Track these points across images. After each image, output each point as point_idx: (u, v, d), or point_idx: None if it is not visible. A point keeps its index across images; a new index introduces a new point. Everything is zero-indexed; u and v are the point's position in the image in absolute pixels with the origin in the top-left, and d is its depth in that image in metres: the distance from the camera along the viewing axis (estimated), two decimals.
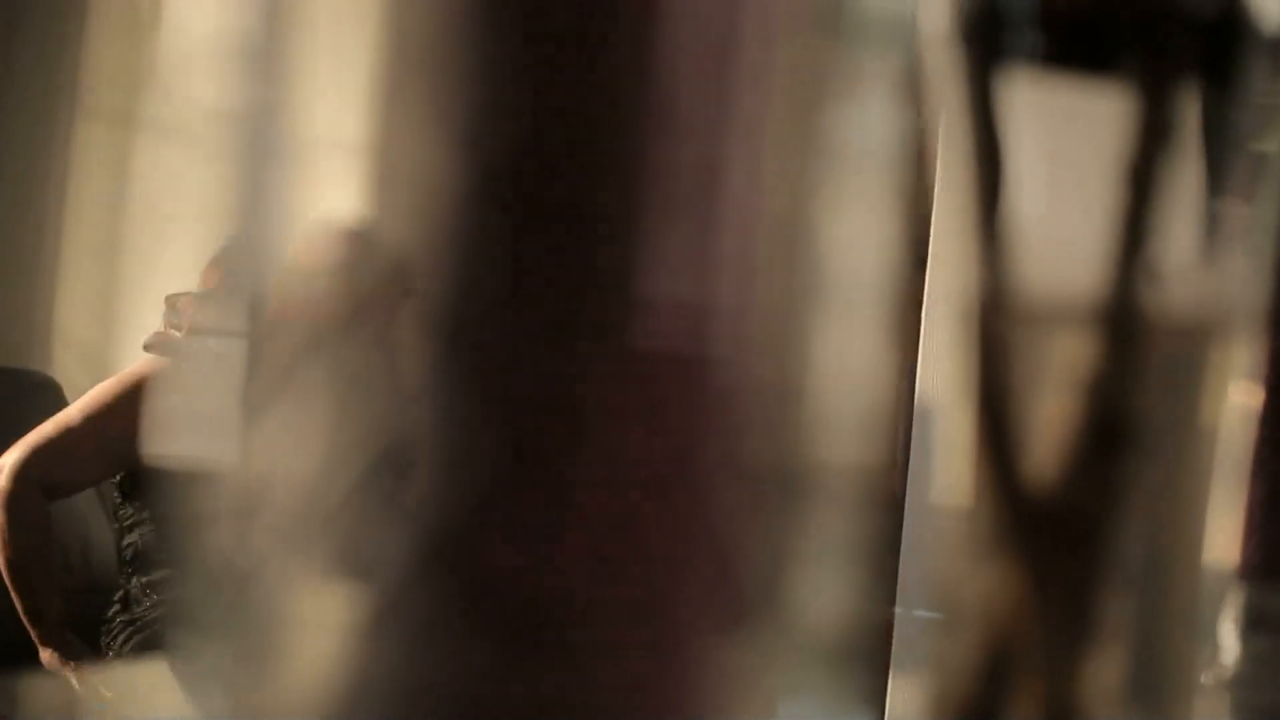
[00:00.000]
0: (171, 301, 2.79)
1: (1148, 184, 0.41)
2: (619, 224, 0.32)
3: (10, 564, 2.49)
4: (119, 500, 2.70)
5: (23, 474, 2.54)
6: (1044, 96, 0.42)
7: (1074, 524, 0.41)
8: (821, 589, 0.35)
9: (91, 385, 3.45)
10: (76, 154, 3.57)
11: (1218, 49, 0.42)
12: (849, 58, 0.37)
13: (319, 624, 0.31)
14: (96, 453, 2.61)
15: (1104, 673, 0.41)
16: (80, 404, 2.62)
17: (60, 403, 3.28)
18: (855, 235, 0.37)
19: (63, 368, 3.49)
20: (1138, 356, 0.42)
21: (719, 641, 0.33)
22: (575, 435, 0.32)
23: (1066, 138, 0.42)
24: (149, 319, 3.45)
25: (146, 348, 2.77)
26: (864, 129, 0.37)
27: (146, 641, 2.63)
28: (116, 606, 2.70)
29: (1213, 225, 0.43)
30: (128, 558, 2.68)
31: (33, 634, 2.50)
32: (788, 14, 0.35)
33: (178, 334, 2.77)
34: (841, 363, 0.36)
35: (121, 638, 2.66)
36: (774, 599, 0.34)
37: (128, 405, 2.61)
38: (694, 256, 0.33)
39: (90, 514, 3.17)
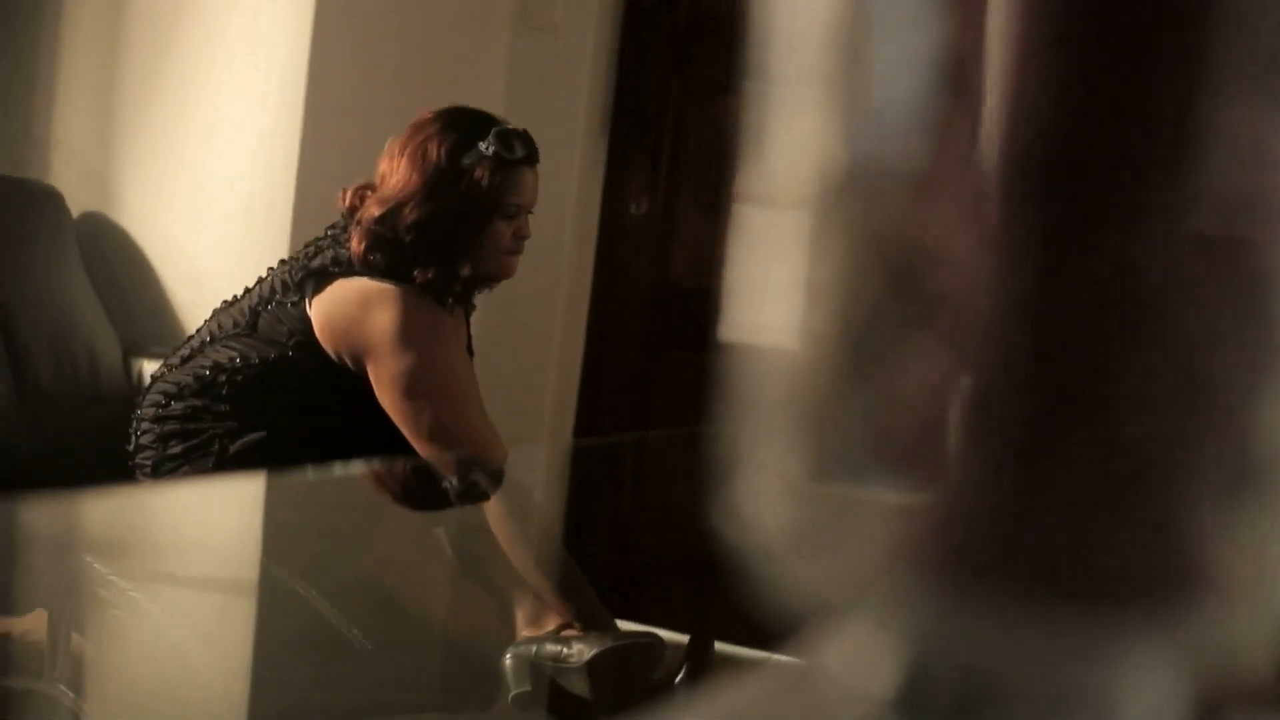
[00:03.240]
0: (347, 201, 2.82)
1: None
2: (1180, 114, 0.34)
3: None
4: (294, 333, 2.75)
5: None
6: None
7: None
8: None
9: (89, 196, 3.48)
10: None
11: None
12: None
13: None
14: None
15: None
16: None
17: (63, 212, 3.31)
18: None
19: (61, 176, 3.50)
20: None
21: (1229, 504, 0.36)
22: (1136, 313, 0.34)
23: None
24: (147, 130, 3.47)
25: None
26: None
27: (194, 433, 2.72)
28: (188, 380, 2.75)
29: None
30: (251, 351, 2.75)
31: None
32: None
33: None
34: None
35: (174, 424, 2.74)
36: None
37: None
38: (1252, 144, 0.36)
39: (98, 327, 3.22)
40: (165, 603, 2.47)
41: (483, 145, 2.77)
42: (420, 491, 2.86)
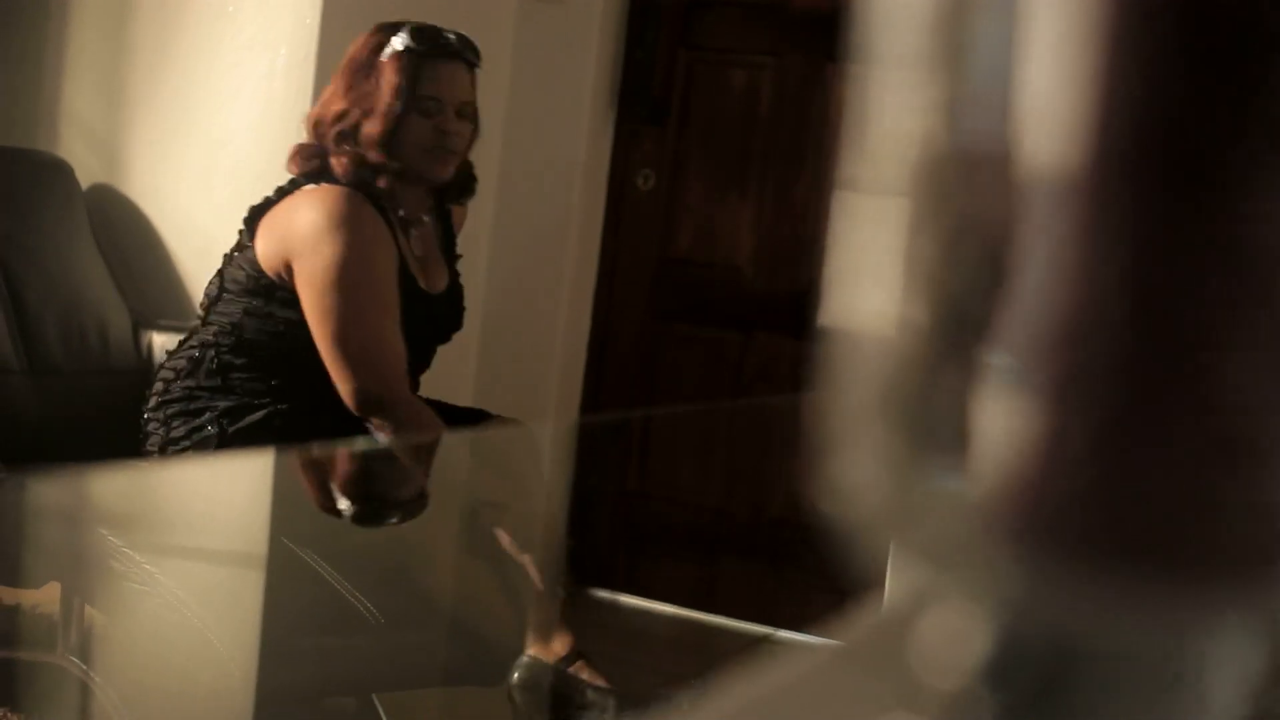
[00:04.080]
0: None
1: None
2: None
3: None
4: (246, 280, 2.75)
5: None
6: None
7: None
8: None
9: (99, 168, 3.48)
10: None
11: None
12: None
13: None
14: None
15: None
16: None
17: (72, 183, 3.31)
18: None
19: (70, 148, 3.50)
20: None
21: None
22: (1237, 290, 0.35)
23: None
24: (157, 100, 3.46)
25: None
26: None
27: (195, 413, 2.72)
28: (181, 363, 2.76)
29: None
30: (227, 322, 2.74)
31: None
32: None
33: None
34: None
35: (176, 406, 2.74)
36: None
37: None
38: None
39: (108, 299, 3.22)
40: (177, 575, 2.47)
41: (396, 39, 2.78)
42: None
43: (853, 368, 0.37)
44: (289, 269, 2.71)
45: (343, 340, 2.67)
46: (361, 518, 2.77)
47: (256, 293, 2.74)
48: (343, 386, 2.67)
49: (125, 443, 2.79)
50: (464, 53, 2.83)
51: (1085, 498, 0.34)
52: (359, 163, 2.74)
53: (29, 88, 3.58)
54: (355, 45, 2.82)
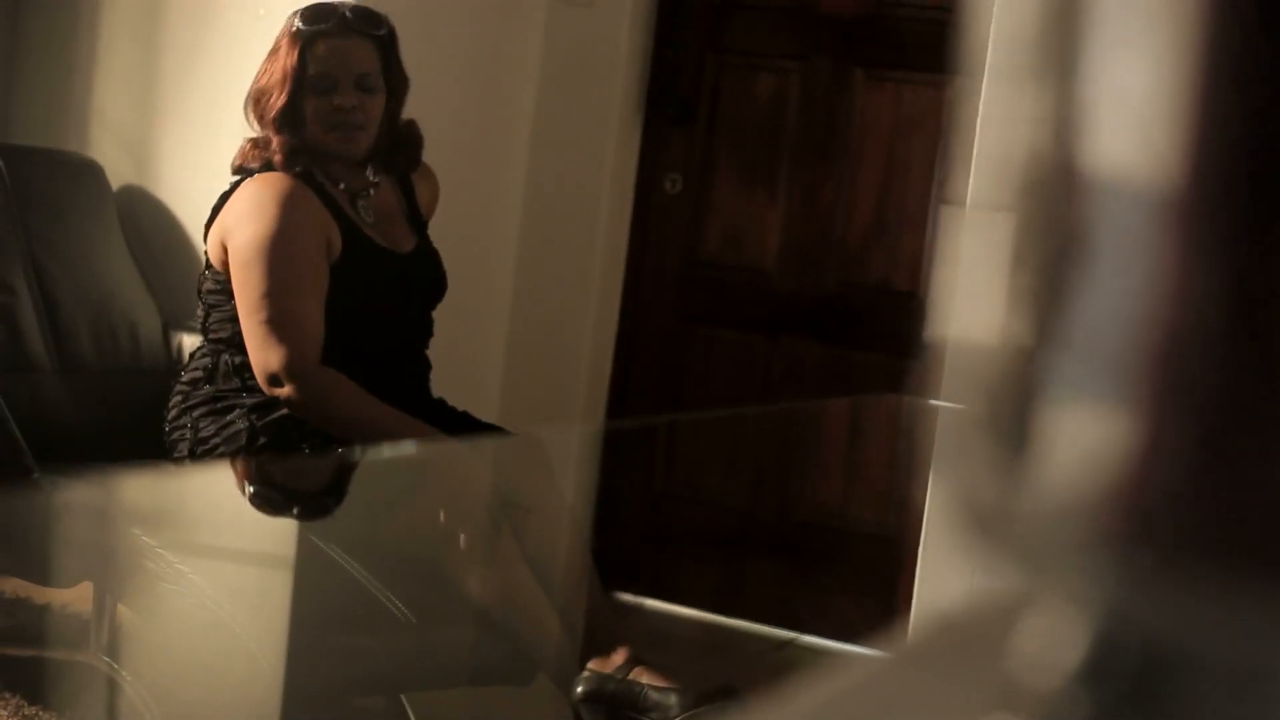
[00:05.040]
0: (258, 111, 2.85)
1: None
2: None
3: None
4: (218, 289, 2.76)
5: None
6: None
7: None
8: None
9: (129, 169, 3.49)
10: None
11: None
12: None
13: None
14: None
15: None
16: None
17: (103, 185, 3.33)
18: None
19: (101, 150, 3.51)
20: None
21: None
22: None
23: None
24: (187, 102, 3.48)
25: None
26: None
27: (222, 411, 2.73)
28: (198, 374, 2.77)
29: None
30: (223, 335, 2.75)
31: None
32: None
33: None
34: None
35: (202, 409, 2.75)
36: None
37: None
38: None
39: (138, 300, 3.23)
40: (207, 574, 2.48)
41: (293, 20, 2.81)
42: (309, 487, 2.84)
43: (962, 379, 0.38)
44: (228, 252, 2.75)
45: (256, 315, 2.69)
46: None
47: (228, 294, 2.76)
48: (252, 359, 2.70)
49: (156, 443, 2.81)
50: (359, 25, 2.84)
51: (1183, 504, 0.35)
52: (282, 143, 2.78)
53: (60, 89, 3.60)
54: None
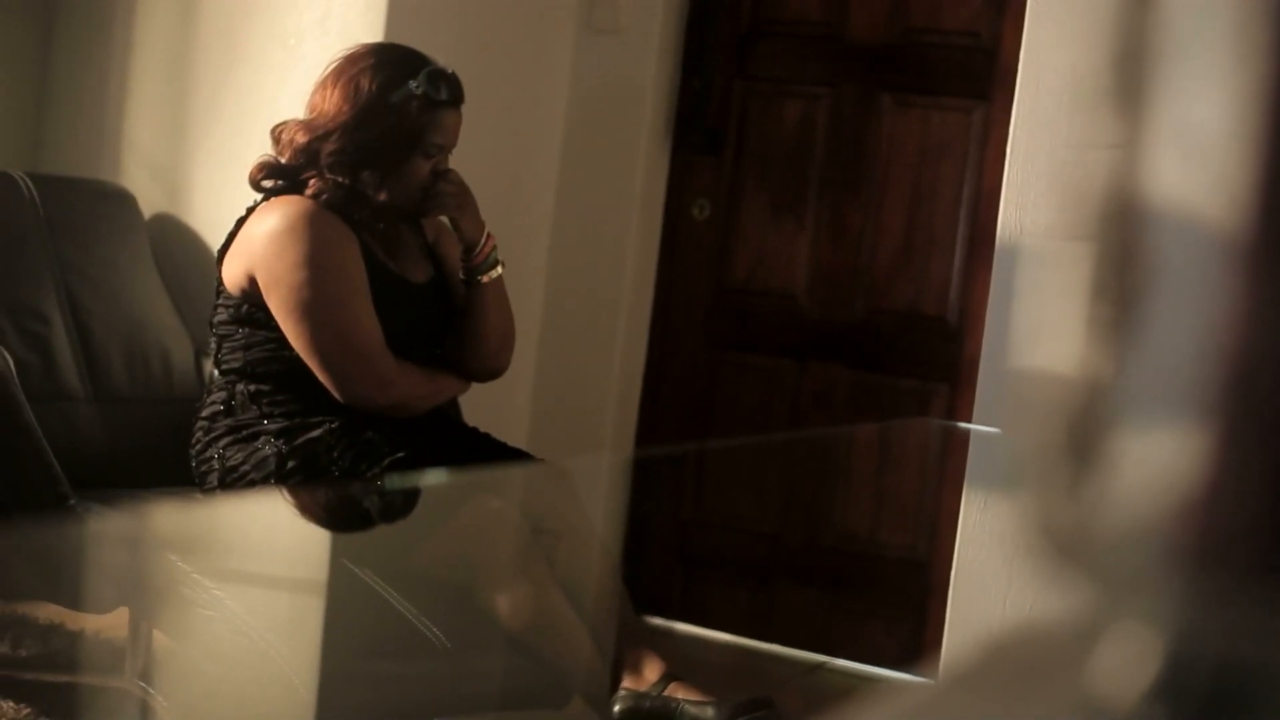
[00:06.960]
0: (275, 134, 2.86)
1: None
2: None
3: None
4: (230, 319, 2.78)
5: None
6: None
7: None
8: None
9: (161, 197, 3.52)
10: None
11: None
12: None
13: None
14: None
15: None
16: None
17: (135, 213, 3.35)
18: None
19: (132, 178, 3.54)
20: None
21: None
22: None
23: None
24: (218, 130, 3.50)
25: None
26: None
27: (248, 439, 2.74)
28: (218, 407, 2.79)
29: None
30: (235, 366, 2.77)
31: None
32: None
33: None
34: None
35: (227, 439, 2.76)
36: None
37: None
38: None
39: (170, 328, 3.25)
40: (241, 600, 2.50)
41: (413, 84, 2.81)
42: (341, 514, 2.85)
43: (1041, 408, 0.38)
44: (252, 281, 2.75)
45: (319, 336, 2.70)
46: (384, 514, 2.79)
47: (242, 322, 2.77)
48: (331, 383, 2.71)
49: (189, 470, 2.82)
50: (461, 99, 2.88)
51: (1255, 527, 0.36)
52: (349, 191, 2.78)
53: (92, 118, 3.63)
54: (359, 74, 2.82)
